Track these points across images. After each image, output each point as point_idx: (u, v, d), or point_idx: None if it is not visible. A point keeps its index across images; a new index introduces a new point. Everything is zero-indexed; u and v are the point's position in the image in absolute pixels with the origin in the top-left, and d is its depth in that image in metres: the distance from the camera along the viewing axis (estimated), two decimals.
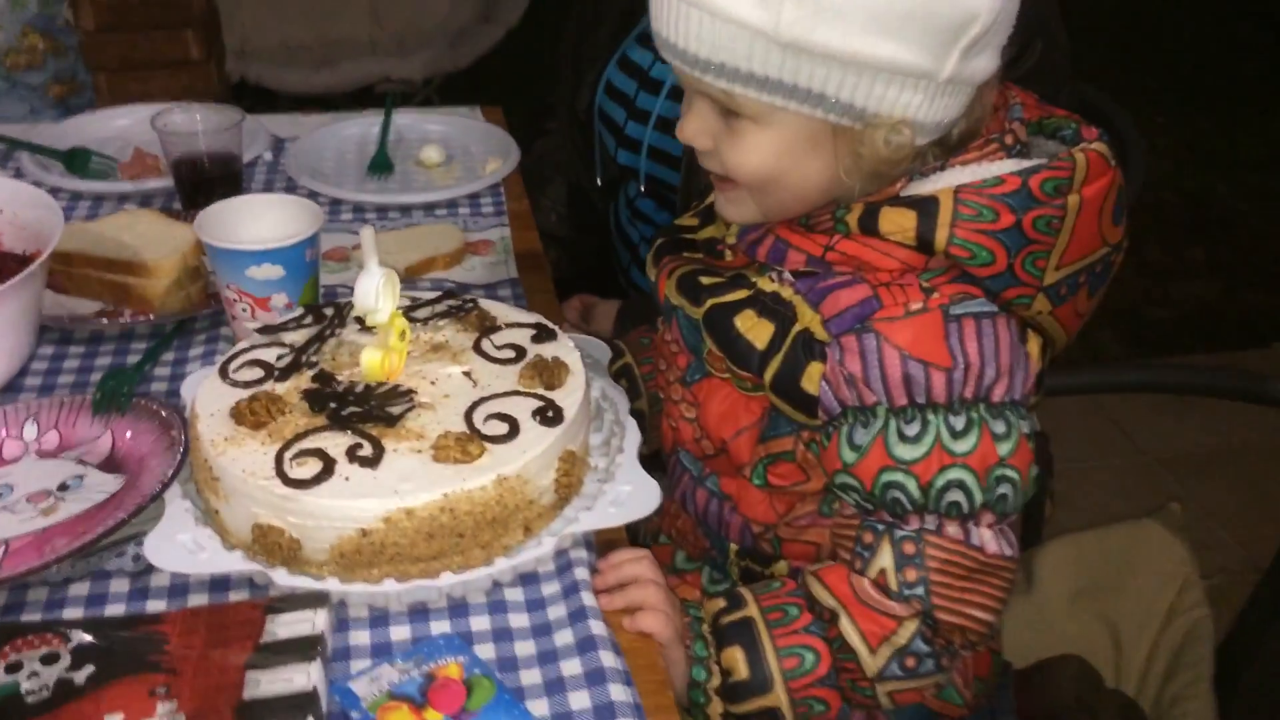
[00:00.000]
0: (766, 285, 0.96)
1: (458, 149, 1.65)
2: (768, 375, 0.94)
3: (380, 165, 1.60)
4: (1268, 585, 1.41)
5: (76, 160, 1.54)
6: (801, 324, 0.93)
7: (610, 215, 1.75)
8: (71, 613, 0.90)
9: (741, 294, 0.97)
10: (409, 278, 1.34)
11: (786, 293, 0.95)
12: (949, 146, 0.92)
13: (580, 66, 1.65)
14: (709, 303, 0.98)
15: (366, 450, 0.92)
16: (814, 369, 0.92)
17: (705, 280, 0.99)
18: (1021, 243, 0.88)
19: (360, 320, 1.07)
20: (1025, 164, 0.89)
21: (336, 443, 0.93)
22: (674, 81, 1.52)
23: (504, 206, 1.52)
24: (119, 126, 1.66)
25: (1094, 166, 0.89)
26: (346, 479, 0.90)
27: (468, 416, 0.96)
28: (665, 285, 1.04)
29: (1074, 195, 0.88)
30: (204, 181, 1.42)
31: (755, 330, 0.94)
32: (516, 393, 0.99)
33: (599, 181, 1.69)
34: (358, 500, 0.88)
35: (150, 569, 0.93)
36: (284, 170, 1.56)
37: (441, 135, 1.67)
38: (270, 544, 0.90)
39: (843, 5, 0.81)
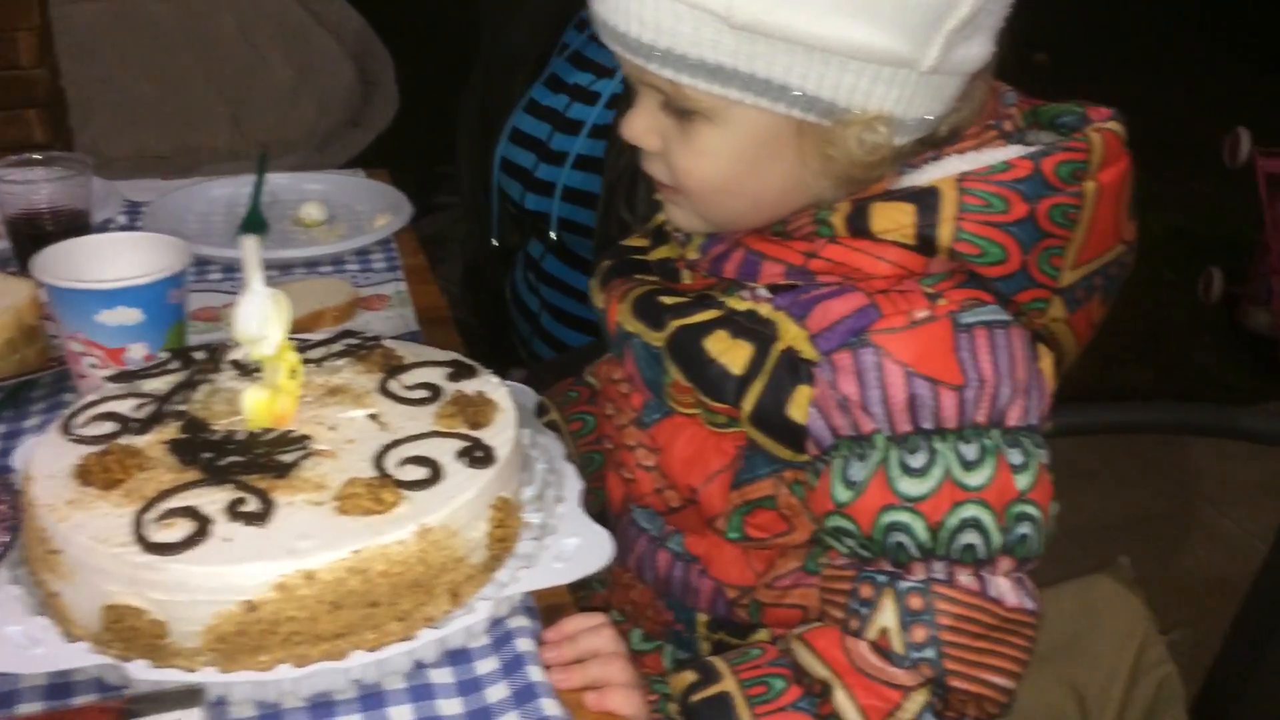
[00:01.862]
0: (739, 304, 0.82)
1: (341, 207, 1.49)
2: (747, 405, 0.80)
3: (253, 224, 1.42)
4: (1235, 645, 1.34)
5: None
6: (785, 342, 0.79)
7: (506, 289, 1.63)
8: None
9: (711, 313, 0.83)
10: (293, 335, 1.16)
11: (764, 310, 0.81)
12: (936, 141, 0.81)
13: (489, 118, 1.55)
14: (673, 324, 0.83)
15: (252, 505, 0.74)
16: (802, 394, 0.78)
17: (667, 300, 0.85)
18: (1036, 236, 0.76)
19: (239, 365, 0.90)
20: (1033, 148, 0.78)
21: (213, 499, 0.74)
22: (595, 120, 1.42)
23: (398, 262, 1.36)
24: None
25: (1110, 148, 0.78)
26: (227, 540, 0.71)
27: (378, 462, 0.79)
28: (617, 311, 0.89)
29: (1090, 181, 0.77)
30: (46, 241, 1.22)
31: (730, 353, 0.80)
32: (436, 433, 0.83)
33: (495, 242, 1.56)
34: (242, 565, 0.70)
35: None
36: (141, 231, 1.37)
37: (322, 193, 1.51)
38: (126, 630, 0.71)
39: None
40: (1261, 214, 3.25)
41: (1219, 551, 2.44)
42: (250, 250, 0.81)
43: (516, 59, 1.56)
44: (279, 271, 1.32)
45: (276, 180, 1.53)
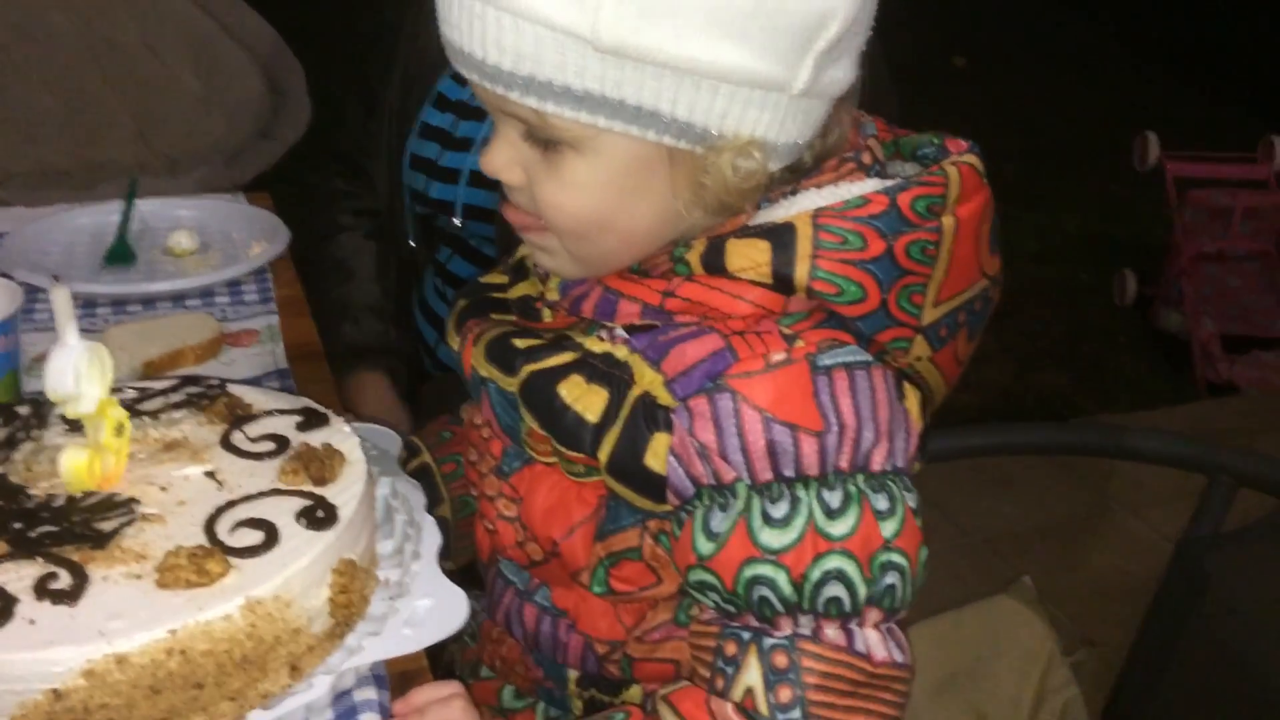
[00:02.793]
0: (596, 346, 0.78)
1: (215, 235, 1.43)
2: (603, 454, 0.76)
3: (120, 255, 1.35)
4: (1136, 665, 1.33)
5: None
6: (640, 387, 0.75)
7: (414, 297, 1.59)
8: None
9: (566, 357, 0.78)
10: (150, 376, 1.09)
11: (621, 352, 0.77)
12: (801, 171, 0.78)
13: (404, 119, 1.51)
14: (526, 370, 0.79)
15: (63, 581, 0.68)
16: (659, 441, 0.74)
17: (520, 344, 0.81)
18: (895, 274, 0.73)
19: (68, 420, 0.83)
20: (890, 182, 0.75)
21: (21, 576, 0.69)
22: None
23: (271, 293, 1.30)
24: None
25: (967, 182, 0.75)
26: (31, 622, 0.66)
27: (209, 527, 0.73)
28: (471, 354, 0.84)
29: (948, 216, 0.74)
30: None
31: (585, 400, 0.76)
32: (276, 492, 0.77)
33: (411, 242, 1.54)
34: (47, 650, 0.64)
35: None
36: None
37: (195, 220, 1.45)
38: None
39: (674, 1, 0.67)
40: (1171, 216, 3.30)
41: (1133, 556, 2.45)
42: (61, 300, 0.75)
43: (434, 61, 1.51)
44: (143, 306, 1.25)
45: (146, 207, 1.46)
